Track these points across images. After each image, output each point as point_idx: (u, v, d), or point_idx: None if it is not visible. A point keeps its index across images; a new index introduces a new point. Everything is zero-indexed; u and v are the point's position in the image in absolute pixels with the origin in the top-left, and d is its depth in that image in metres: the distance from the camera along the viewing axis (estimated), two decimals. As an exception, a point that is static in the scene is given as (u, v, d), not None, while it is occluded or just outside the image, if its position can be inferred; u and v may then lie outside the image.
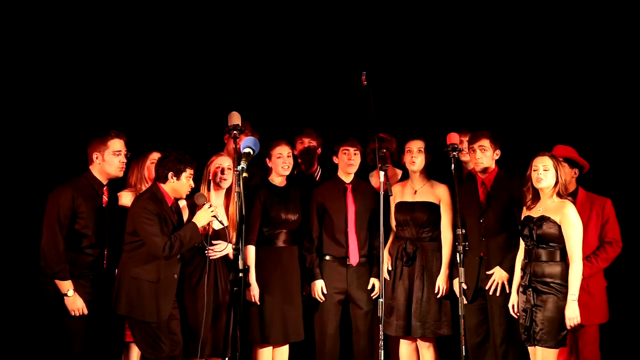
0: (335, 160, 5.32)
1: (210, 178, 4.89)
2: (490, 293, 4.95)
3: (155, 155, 4.96)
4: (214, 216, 4.65)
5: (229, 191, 4.95)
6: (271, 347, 5.11)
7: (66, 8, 5.94)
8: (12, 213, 5.71)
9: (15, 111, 5.81)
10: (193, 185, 4.71)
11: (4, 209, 5.73)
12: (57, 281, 4.53)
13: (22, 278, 5.47)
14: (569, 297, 4.48)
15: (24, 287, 5.43)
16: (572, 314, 4.47)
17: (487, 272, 4.98)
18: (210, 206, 4.66)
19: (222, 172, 4.88)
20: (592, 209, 4.98)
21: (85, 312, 4.57)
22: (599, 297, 4.96)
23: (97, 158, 4.70)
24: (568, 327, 4.49)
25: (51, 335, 4.63)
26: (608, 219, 5.00)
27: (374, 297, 5.19)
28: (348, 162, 5.22)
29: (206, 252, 4.78)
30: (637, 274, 5.73)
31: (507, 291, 4.90)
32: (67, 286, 4.53)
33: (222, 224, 4.78)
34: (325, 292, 5.19)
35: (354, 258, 5.19)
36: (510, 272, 4.88)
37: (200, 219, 4.64)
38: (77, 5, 5.97)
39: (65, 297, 4.53)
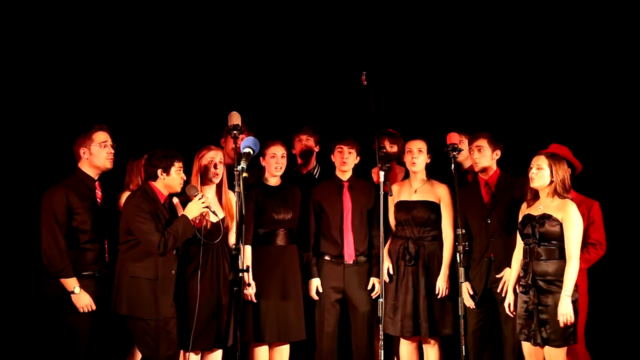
0: (333, 158, 5.33)
1: (202, 172, 4.86)
2: (503, 295, 4.92)
3: None
4: (207, 207, 4.64)
5: (220, 184, 4.93)
6: (267, 346, 5.12)
7: (61, 8, 5.91)
8: (10, 214, 5.71)
9: (6, 113, 5.79)
10: (185, 178, 4.71)
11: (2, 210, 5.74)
12: (62, 280, 4.53)
13: (23, 279, 5.48)
14: (563, 293, 4.46)
15: (26, 288, 5.44)
16: (565, 310, 4.45)
17: (497, 275, 4.98)
18: (202, 197, 4.65)
19: (215, 167, 4.86)
20: (579, 210, 4.96)
21: (94, 307, 4.58)
22: (583, 295, 4.91)
23: (84, 153, 4.71)
24: (561, 324, 4.47)
25: (55, 334, 4.63)
26: (593, 221, 4.99)
27: (374, 297, 5.19)
28: (342, 161, 5.24)
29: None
30: (626, 274, 5.75)
31: (518, 291, 4.89)
32: (72, 283, 4.54)
33: (217, 216, 4.77)
34: (321, 290, 5.19)
35: (349, 256, 5.19)
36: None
37: (192, 210, 4.62)
38: (73, 5, 5.94)
39: (72, 295, 4.53)
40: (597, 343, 5.28)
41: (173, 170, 4.62)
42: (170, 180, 4.64)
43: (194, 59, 6.29)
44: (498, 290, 4.96)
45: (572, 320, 4.45)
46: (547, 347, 4.54)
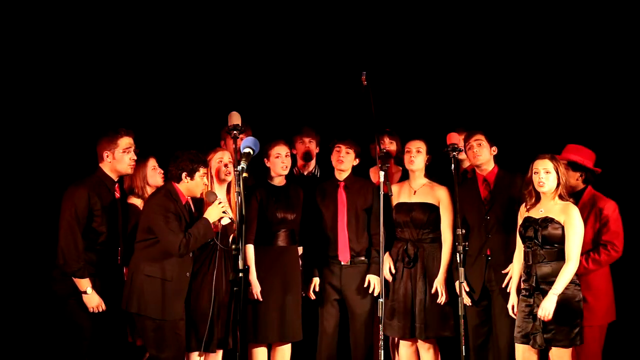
0: (332, 158, 5.33)
1: (213, 173, 4.91)
2: (508, 290, 4.87)
3: (153, 162, 5.04)
4: (224, 212, 4.69)
5: (229, 186, 4.99)
6: (265, 347, 5.13)
7: (70, 9, 5.93)
8: (15, 213, 5.72)
9: (21, 112, 5.82)
10: (207, 184, 4.75)
11: (9, 208, 5.74)
12: (76, 279, 4.54)
13: (29, 276, 5.52)
14: (551, 291, 4.45)
15: (31, 285, 5.47)
16: (547, 306, 4.43)
17: (503, 271, 4.94)
18: (220, 202, 4.70)
19: (226, 166, 4.91)
20: (592, 210, 4.87)
21: (104, 308, 4.60)
22: (601, 297, 4.85)
23: (107, 156, 4.72)
24: (538, 316, 4.44)
25: (61, 332, 4.65)
26: (606, 222, 4.83)
27: (370, 293, 5.16)
28: (338, 160, 5.24)
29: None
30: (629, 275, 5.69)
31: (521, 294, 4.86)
32: (85, 284, 4.55)
33: (231, 219, 4.82)
34: (317, 289, 5.20)
35: (343, 256, 5.19)
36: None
37: (212, 214, 4.66)
38: (81, 6, 5.96)
39: (84, 295, 4.55)
40: (614, 344, 5.21)
41: (197, 175, 4.66)
42: (193, 185, 4.67)
43: (195, 59, 6.29)
44: (503, 286, 4.93)
45: (550, 317, 4.43)
46: (553, 349, 4.51)
